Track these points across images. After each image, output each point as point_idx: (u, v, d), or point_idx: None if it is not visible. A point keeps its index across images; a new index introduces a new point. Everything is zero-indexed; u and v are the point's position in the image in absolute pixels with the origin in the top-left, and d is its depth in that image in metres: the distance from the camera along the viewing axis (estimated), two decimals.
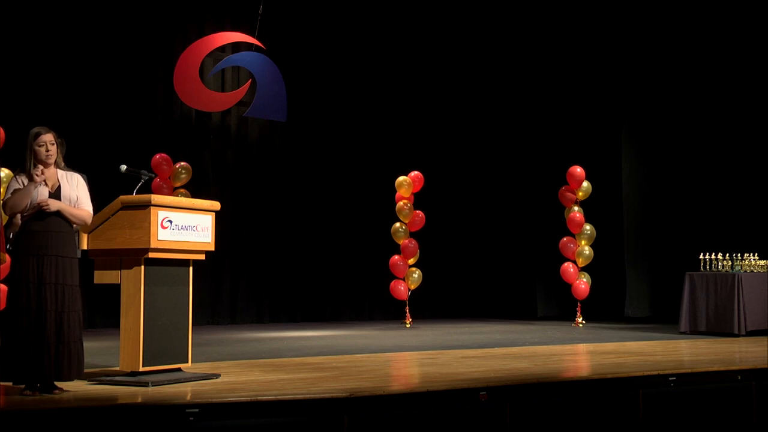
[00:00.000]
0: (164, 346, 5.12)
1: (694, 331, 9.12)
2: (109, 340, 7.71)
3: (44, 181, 4.76)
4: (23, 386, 4.60)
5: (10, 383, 4.67)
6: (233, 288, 11.27)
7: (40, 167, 4.73)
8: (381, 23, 12.27)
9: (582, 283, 10.80)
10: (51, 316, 4.60)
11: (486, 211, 13.30)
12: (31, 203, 4.68)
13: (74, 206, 4.82)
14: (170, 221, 5.06)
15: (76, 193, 4.85)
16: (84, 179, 5.01)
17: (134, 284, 5.00)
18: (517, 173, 13.15)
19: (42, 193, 4.72)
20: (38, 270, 4.62)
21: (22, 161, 4.81)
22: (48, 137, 4.79)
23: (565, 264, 10.95)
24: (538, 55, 12.78)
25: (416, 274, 10.81)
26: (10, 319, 4.59)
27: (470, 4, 12.38)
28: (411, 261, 10.81)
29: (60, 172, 4.86)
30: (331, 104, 12.14)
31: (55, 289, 4.64)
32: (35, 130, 4.82)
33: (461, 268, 13.11)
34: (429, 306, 12.24)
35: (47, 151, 4.77)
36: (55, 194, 4.77)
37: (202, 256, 5.39)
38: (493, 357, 6.76)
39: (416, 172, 10.86)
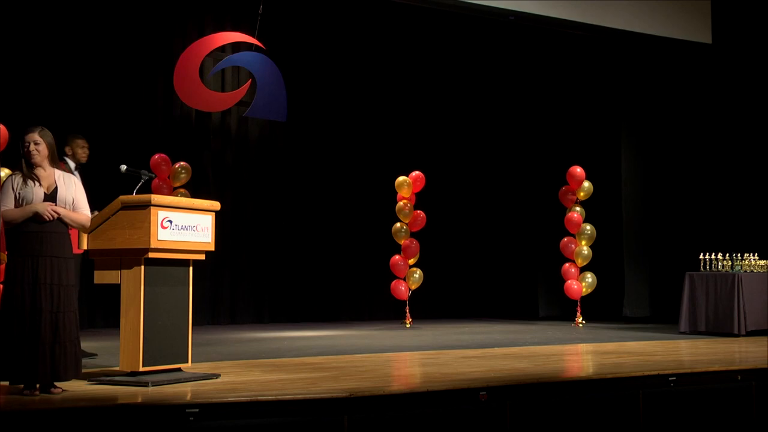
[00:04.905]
0: (164, 346, 5.12)
1: (694, 331, 9.12)
2: (109, 340, 7.71)
3: (39, 181, 4.75)
4: (22, 386, 4.60)
5: (8, 383, 4.66)
6: (233, 288, 11.27)
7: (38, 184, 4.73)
8: (381, 23, 12.27)
9: (574, 283, 10.80)
10: (47, 316, 4.59)
11: (487, 211, 13.31)
12: (25, 202, 4.68)
13: (71, 208, 4.81)
14: (170, 221, 5.06)
15: (72, 195, 4.84)
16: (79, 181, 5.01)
17: (134, 284, 5.00)
18: (517, 173, 13.17)
19: (37, 194, 4.71)
20: (34, 271, 4.61)
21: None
22: (32, 137, 4.77)
23: (566, 264, 10.95)
24: (538, 56, 12.78)
25: (417, 274, 10.81)
26: (6, 320, 4.58)
27: (470, 7, 12.37)
28: (411, 261, 10.82)
29: (57, 173, 4.85)
30: (332, 104, 12.14)
31: (51, 289, 4.63)
32: (26, 129, 4.81)
33: (462, 269, 13.11)
34: (429, 306, 12.24)
35: (28, 150, 4.75)
36: (51, 195, 4.76)
37: (202, 256, 5.39)
38: (493, 357, 6.76)
39: (417, 172, 10.86)
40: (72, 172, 6.63)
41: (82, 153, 6.83)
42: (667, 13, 10.82)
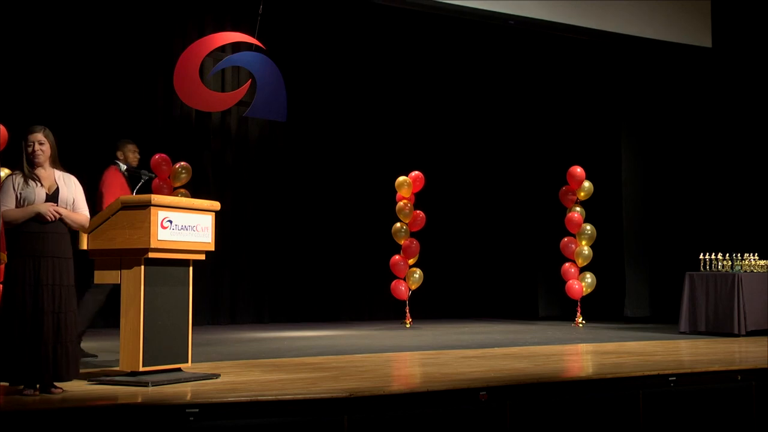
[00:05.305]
0: (164, 346, 5.12)
1: (694, 331, 9.12)
2: (109, 340, 7.71)
3: (40, 182, 4.75)
4: (22, 386, 4.60)
5: (7, 383, 4.66)
6: (233, 288, 11.28)
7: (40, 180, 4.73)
8: (381, 23, 12.27)
9: (576, 283, 10.80)
10: (48, 317, 4.59)
11: (487, 211, 13.31)
12: (26, 202, 4.67)
13: (71, 209, 4.81)
14: (170, 221, 5.06)
15: (72, 196, 4.84)
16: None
17: (134, 284, 5.00)
18: (517, 173, 13.18)
19: (39, 194, 4.70)
20: (35, 271, 4.60)
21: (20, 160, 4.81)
22: (36, 136, 4.76)
23: (566, 264, 10.96)
24: (538, 58, 12.78)
25: (417, 274, 10.81)
26: (7, 320, 4.58)
27: (470, 12, 12.39)
28: (411, 261, 10.82)
29: (57, 173, 4.85)
30: (332, 104, 12.15)
31: (53, 290, 4.62)
32: (28, 128, 4.81)
33: (462, 269, 13.12)
34: (429, 306, 12.25)
35: (33, 150, 4.74)
36: (53, 196, 4.75)
37: (202, 256, 5.39)
38: (493, 357, 6.76)
39: (417, 172, 10.87)
40: (124, 175, 6.75)
41: (134, 157, 7.03)
42: (668, 17, 10.83)
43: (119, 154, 6.97)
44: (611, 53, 11.80)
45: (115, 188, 6.67)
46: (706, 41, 11.06)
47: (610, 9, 10.50)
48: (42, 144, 4.77)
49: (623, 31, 10.61)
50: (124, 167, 6.91)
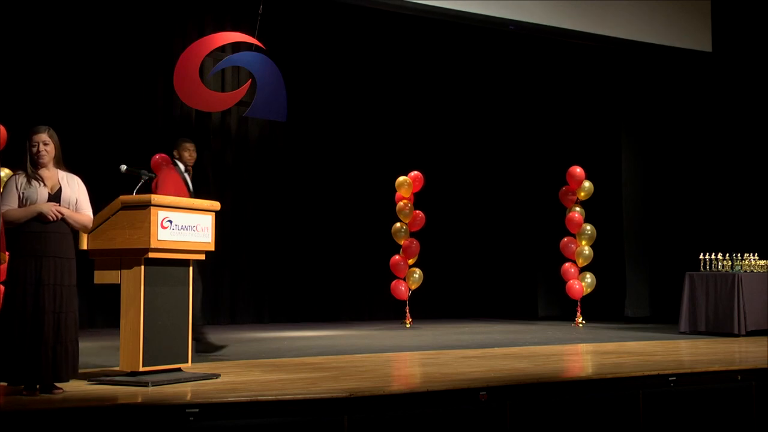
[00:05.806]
0: (164, 346, 5.12)
1: (694, 331, 9.12)
2: (109, 340, 7.71)
3: (43, 182, 4.74)
4: (22, 386, 4.60)
5: (6, 383, 4.66)
6: (233, 288, 11.28)
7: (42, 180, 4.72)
8: (381, 23, 12.26)
9: (576, 283, 10.80)
10: (49, 317, 4.59)
11: (486, 211, 13.32)
12: (29, 202, 4.67)
13: (74, 209, 4.81)
14: (170, 221, 5.06)
15: (75, 196, 4.83)
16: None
17: (134, 284, 5.00)
18: (517, 173, 13.18)
19: (42, 194, 4.70)
20: (37, 271, 4.60)
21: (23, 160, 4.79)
22: (41, 137, 4.75)
23: (566, 264, 10.96)
24: (538, 59, 12.78)
25: (417, 274, 10.81)
26: (7, 320, 4.57)
27: (470, 17, 12.38)
28: (411, 261, 10.82)
29: (61, 173, 4.84)
30: (332, 104, 12.15)
31: (54, 290, 4.62)
32: (32, 128, 4.80)
33: (462, 269, 13.12)
34: (429, 306, 12.25)
35: (38, 151, 4.74)
36: (55, 196, 4.74)
37: (202, 256, 5.39)
38: (493, 357, 6.76)
39: (416, 172, 10.88)
40: (182, 174, 6.69)
41: (189, 156, 6.92)
42: (668, 20, 10.82)
43: (175, 153, 6.90)
44: (611, 55, 11.79)
45: (169, 187, 6.57)
46: (706, 45, 11.06)
47: (609, 12, 10.48)
48: (47, 144, 4.77)
49: (624, 35, 10.58)
50: (182, 167, 6.86)
